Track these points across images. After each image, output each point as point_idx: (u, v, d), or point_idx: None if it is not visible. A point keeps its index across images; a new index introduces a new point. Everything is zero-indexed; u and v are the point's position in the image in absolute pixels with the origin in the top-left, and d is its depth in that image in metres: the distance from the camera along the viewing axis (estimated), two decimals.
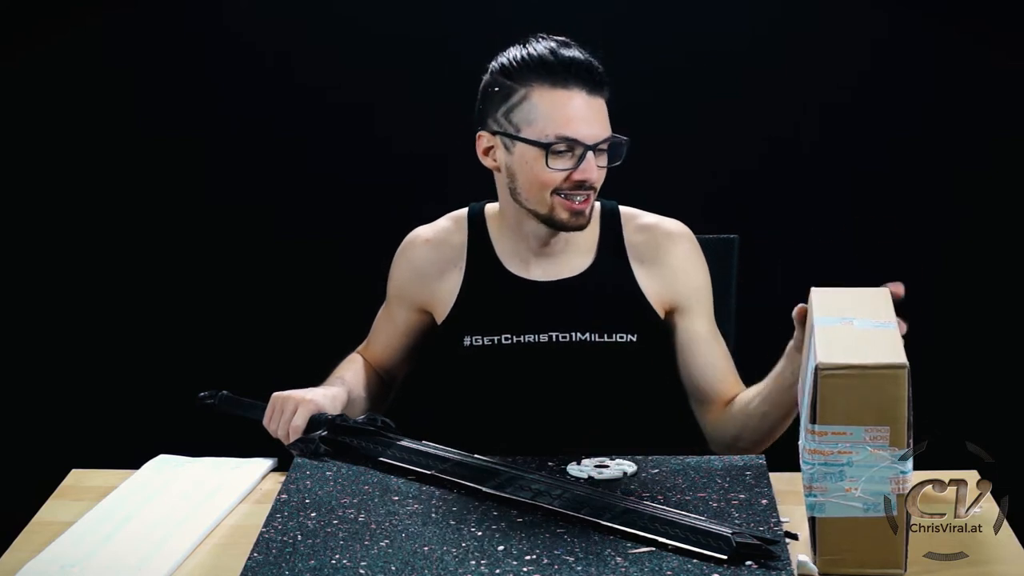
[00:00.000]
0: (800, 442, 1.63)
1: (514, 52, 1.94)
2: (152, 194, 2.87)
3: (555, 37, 1.94)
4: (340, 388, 1.99)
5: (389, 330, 2.12)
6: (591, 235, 2.03)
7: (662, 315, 2.03)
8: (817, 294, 1.74)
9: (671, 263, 2.03)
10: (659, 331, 2.04)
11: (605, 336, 2.01)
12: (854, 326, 1.61)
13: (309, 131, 2.84)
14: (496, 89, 1.94)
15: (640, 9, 2.76)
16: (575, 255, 2.03)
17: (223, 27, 2.81)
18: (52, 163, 2.87)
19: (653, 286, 2.03)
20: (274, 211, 2.88)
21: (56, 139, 2.85)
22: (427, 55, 2.79)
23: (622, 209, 2.07)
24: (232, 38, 2.81)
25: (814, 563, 1.53)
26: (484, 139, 1.98)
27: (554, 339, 2.01)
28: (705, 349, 2.03)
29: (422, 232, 2.11)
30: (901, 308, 1.66)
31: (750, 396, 1.97)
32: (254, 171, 2.86)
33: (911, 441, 1.49)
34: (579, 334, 2.01)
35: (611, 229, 2.05)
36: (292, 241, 2.88)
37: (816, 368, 1.49)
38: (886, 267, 2.78)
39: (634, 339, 2.01)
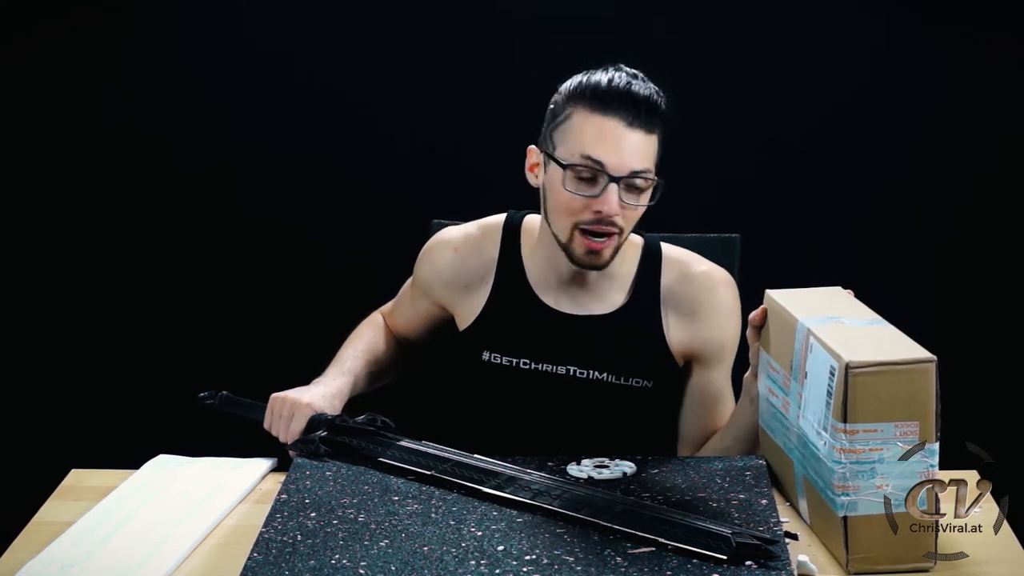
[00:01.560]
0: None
1: (578, 76, 1.89)
2: (151, 195, 2.87)
3: (627, 70, 1.87)
4: (344, 379, 1.99)
5: (410, 311, 2.12)
6: (627, 272, 1.99)
7: (681, 363, 2.01)
8: (779, 296, 1.74)
9: (705, 317, 1.99)
10: (675, 378, 2.02)
11: (622, 379, 1.98)
12: (846, 325, 1.61)
13: (308, 131, 2.84)
14: (552, 107, 1.91)
15: (641, 10, 2.75)
16: (608, 291, 1.98)
17: (224, 27, 2.80)
18: (52, 163, 2.86)
19: (680, 336, 1.99)
20: (273, 211, 2.87)
21: (56, 139, 2.85)
22: (428, 55, 2.78)
23: (664, 249, 2.01)
24: (232, 38, 2.80)
25: (846, 563, 1.53)
26: (532, 154, 1.93)
27: (571, 373, 1.98)
28: (709, 406, 2.01)
29: (451, 238, 2.06)
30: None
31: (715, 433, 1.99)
32: (254, 171, 2.86)
33: (938, 434, 1.49)
34: (597, 373, 1.98)
35: (649, 269, 1.99)
36: (292, 241, 2.87)
37: (846, 367, 1.49)
38: (886, 267, 2.81)
39: (650, 385, 1.99)
